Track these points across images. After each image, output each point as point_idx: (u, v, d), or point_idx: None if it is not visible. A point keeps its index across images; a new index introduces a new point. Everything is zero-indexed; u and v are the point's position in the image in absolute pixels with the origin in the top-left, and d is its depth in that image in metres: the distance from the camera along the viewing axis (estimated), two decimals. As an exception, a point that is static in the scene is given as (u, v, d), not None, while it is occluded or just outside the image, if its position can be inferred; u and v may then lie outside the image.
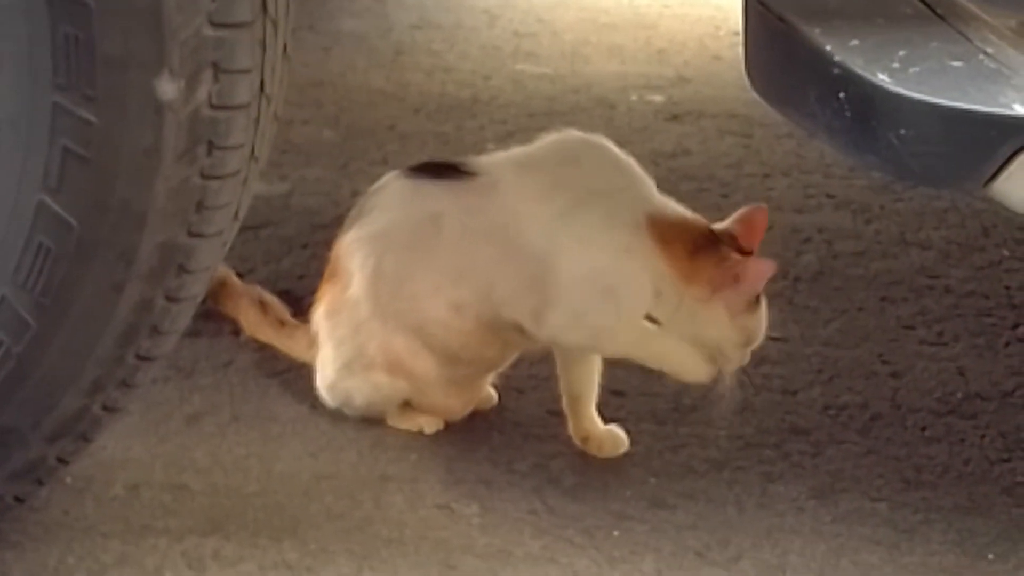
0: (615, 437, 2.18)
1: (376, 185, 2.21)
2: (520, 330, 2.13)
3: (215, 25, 1.74)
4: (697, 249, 2.09)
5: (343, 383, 2.20)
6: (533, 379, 2.30)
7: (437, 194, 2.15)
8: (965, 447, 2.24)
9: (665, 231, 2.09)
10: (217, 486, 2.09)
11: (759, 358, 2.39)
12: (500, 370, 2.24)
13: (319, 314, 2.21)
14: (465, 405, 2.22)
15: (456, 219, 2.13)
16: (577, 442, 2.18)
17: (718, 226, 2.12)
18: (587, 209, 2.11)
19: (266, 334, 2.35)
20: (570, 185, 2.12)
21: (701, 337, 2.11)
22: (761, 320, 2.12)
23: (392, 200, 2.18)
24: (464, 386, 2.20)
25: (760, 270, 2.08)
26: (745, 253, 2.10)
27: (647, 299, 2.09)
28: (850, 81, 1.80)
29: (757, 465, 2.18)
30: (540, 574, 1.96)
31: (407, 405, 2.22)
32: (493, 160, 2.18)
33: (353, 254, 2.18)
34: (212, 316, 2.35)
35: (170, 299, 1.84)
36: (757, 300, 2.11)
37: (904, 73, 1.80)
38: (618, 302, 2.09)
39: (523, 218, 2.10)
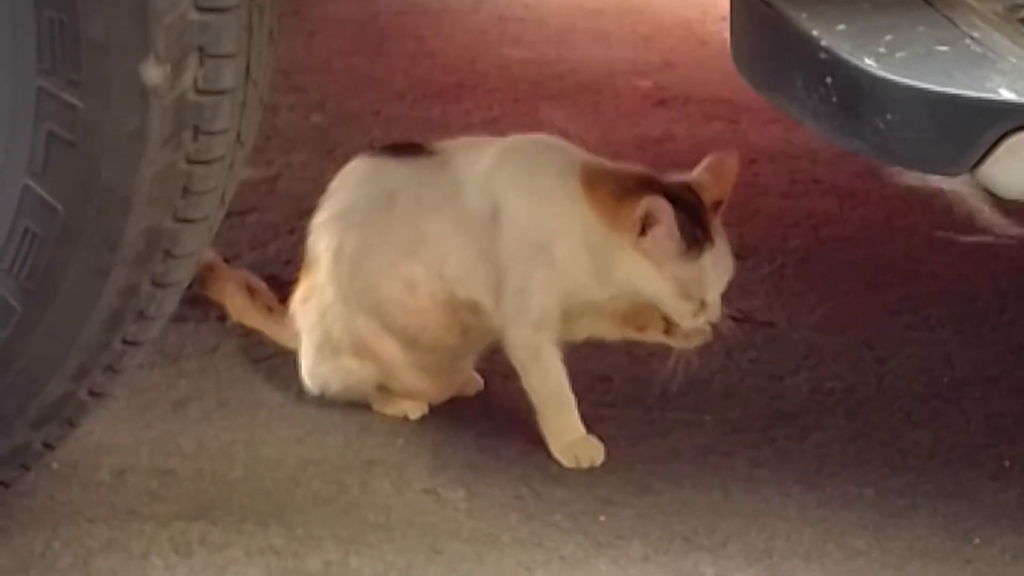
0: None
1: (344, 169, 2.22)
2: (476, 311, 2.13)
3: (201, 9, 1.74)
4: (625, 193, 2.06)
5: (318, 369, 2.21)
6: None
7: (394, 170, 2.18)
8: (951, 432, 2.24)
9: (594, 177, 2.09)
10: (203, 471, 2.08)
11: (746, 343, 2.40)
12: (466, 360, 2.22)
13: (295, 301, 2.22)
14: (440, 391, 2.22)
15: (409, 193, 2.15)
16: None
17: (684, 176, 2.09)
18: (515, 156, 2.13)
19: (253, 319, 2.35)
20: (502, 143, 2.15)
21: (636, 293, 2.08)
22: (702, 275, 2.06)
23: (353, 179, 2.21)
24: (435, 373, 2.20)
25: (651, 205, 2.03)
26: (717, 203, 2.07)
27: (579, 254, 2.08)
28: (837, 66, 1.79)
29: (743, 450, 2.18)
30: (526, 559, 1.96)
31: (389, 390, 2.22)
32: (455, 142, 2.20)
33: (319, 237, 2.19)
34: (198, 301, 2.35)
35: (156, 284, 1.84)
36: (697, 250, 2.05)
37: (891, 58, 1.79)
38: (551, 259, 2.09)
39: (466, 184, 2.13)
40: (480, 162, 2.14)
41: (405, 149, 2.22)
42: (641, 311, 2.13)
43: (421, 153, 2.19)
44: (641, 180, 2.08)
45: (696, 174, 2.10)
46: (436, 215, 2.14)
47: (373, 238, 2.16)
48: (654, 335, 2.15)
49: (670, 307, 2.08)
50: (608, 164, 2.12)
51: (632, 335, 2.16)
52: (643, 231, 2.05)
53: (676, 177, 2.10)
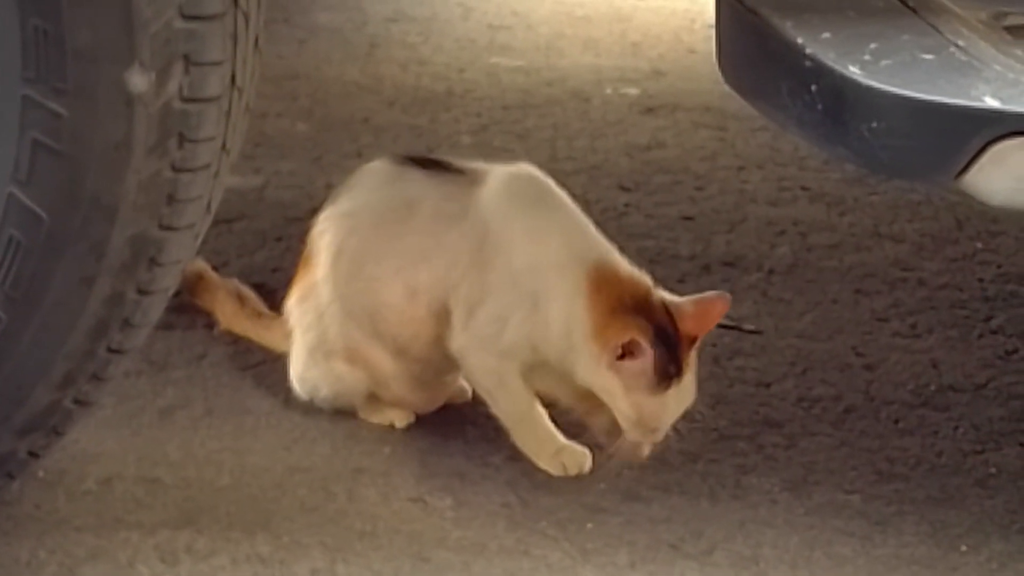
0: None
1: (363, 168, 2.22)
2: (448, 325, 2.11)
3: (186, 17, 1.74)
4: (619, 311, 2.04)
5: (309, 373, 2.20)
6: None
7: (419, 181, 2.17)
8: (938, 439, 2.24)
9: (601, 280, 2.06)
10: (190, 479, 2.08)
11: (733, 350, 2.41)
12: (453, 375, 2.20)
13: (292, 301, 2.22)
14: (429, 402, 2.22)
15: (432, 204, 2.14)
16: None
17: (674, 299, 2.07)
18: (548, 213, 2.12)
19: (243, 326, 2.34)
20: (547, 192, 2.13)
21: (594, 395, 2.07)
22: (663, 408, 2.05)
23: (372, 181, 2.20)
24: (424, 383, 2.19)
25: (636, 343, 2.01)
26: (687, 338, 2.05)
27: (558, 324, 2.07)
28: (822, 74, 1.80)
29: (731, 457, 2.18)
30: (514, 567, 1.96)
31: (377, 398, 2.21)
32: (489, 166, 2.18)
33: (323, 233, 2.18)
34: (185, 309, 2.35)
35: (141, 292, 1.84)
36: (665, 385, 2.04)
37: (875, 66, 1.80)
38: (533, 308, 2.08)
39: (487, 201, 2.12)
40: (512, 193, 2.13)
41: (432, 163, 2.20)
42: (599, 401, 2.11)
43: (449, 169, 2.17)
44: (638, 302, 2.05)
45: (683, 302, 2.07)
46: (455, 225, 2.12)
47: (382, 242, 2.15)
48: (599, 426, 2.12)
49: (621, 421, 2.07)
50: (620, 268, 2.08)
51: (581, 413, 2.14)
52: (620, 357, 2.04)
53: (674, 299, 2.07)
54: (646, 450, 2.10)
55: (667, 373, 2.04)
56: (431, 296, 2.13)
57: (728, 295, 2.10)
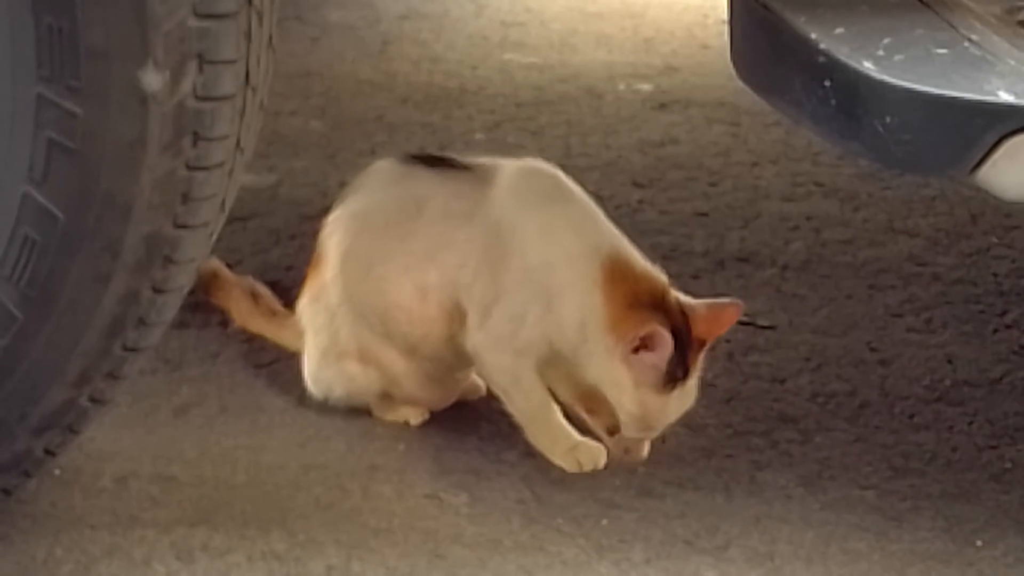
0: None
1: (369, 168, 2.22)
2: (463, 325, 2.11)
3: (200, 16, 1.74)
4: (637, 305, 2.05)
5: (322, 373, 2.20)
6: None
7: (427, 179, 2.17)
8: (953, 434, 2.24)
9: (616, 272, 2.07)
10: (205, 477, 2.09)
11: (748, 346, 2.41)
12: (464, 371, 2.21)
13: (303, 301, 2.22)
14: (442, 399, 2.22)
15: (441, 203, 2.14)
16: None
17: (688, 300, 2.08)
18: (559, 207, 2.12)
19: (258, 324, 2.35)
20: (558, 186, 2.14)
21: (600, 389, 2.07)
22: (666, 408, 2.06)
23: (379, 181, 2.20)
24: (436, 380, 2.19)
25: (656, 334, 2.01)
26: (697, 341, 2.06)
27: (573, 317, 2.07)
28: (835, 69, 1.80)
29: (746, 453, 2.18)
30: (528, 563, 1.97)
31: (391, 396, 2.22)
32: (496, 162, 2.18)
33: (332, 234, 2.19)
34: (200, 307, 2.35)
35: (156, 290, 1.84)
36: (671, 386, 2.05)
37: (889, 61, 1.80)
38: (548, 304, 2.08)
39: (499, 198, 2.12)
40: (523, 191, 2.13)
41: (438, 160, 2.20)
42: (601, 400, 2.10)
43: (455, 166, 2.18)
44: (656, 299, 2.06)
45: (697, 305, 2.08)
46: (465, 223, 2.12)
47: (390, 242, 2.15)
48: (598, 426, 2.11)
49: (623, 416, 2.07)
50: (635, 262, 2.09)
51: (579, 412, 2.13)
52: (636, 350, 2.04)
53: (688, 300, 2.08)
54: (645, 450, 2.10)
55: (675, 375, 2.05)
56: (442, 295, 2.13)
57: (741, 303, 2.11)
